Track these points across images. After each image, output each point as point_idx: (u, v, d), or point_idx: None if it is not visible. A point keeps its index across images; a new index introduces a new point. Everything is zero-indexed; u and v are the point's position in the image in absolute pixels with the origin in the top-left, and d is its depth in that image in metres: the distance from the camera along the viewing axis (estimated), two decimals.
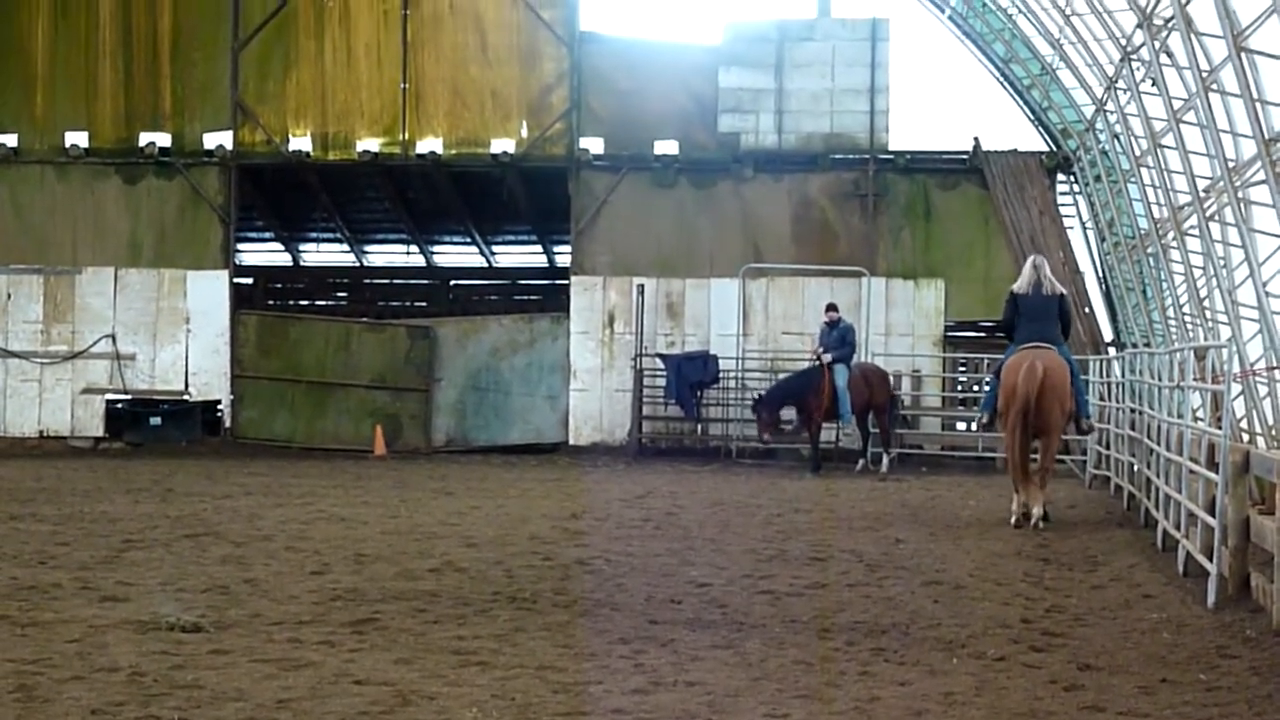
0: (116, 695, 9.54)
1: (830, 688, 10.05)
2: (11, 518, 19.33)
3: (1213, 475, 14.02)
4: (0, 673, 10.11)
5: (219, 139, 33.28)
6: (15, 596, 13.16)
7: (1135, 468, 20.94)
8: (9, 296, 33.21)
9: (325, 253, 42.41)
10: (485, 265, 41.78)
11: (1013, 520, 19.34)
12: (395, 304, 40.24)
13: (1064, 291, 20.28)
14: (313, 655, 10.83)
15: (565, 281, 33.97)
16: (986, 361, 29.94)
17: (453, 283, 41.47)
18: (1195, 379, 17.99)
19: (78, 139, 33.26)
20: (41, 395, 33.10)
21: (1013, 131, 33.55)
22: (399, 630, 11.81)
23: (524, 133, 33.19)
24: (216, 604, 12.83)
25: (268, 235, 41.51)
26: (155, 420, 32.80)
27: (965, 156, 32.59)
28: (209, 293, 33.13)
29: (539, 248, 40.75)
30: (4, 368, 33.13)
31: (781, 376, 30.04)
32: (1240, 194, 19.47)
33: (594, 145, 33.01)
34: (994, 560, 16.31)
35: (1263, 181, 17.87)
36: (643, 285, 32.31)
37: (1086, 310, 31.65)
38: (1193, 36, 19.86)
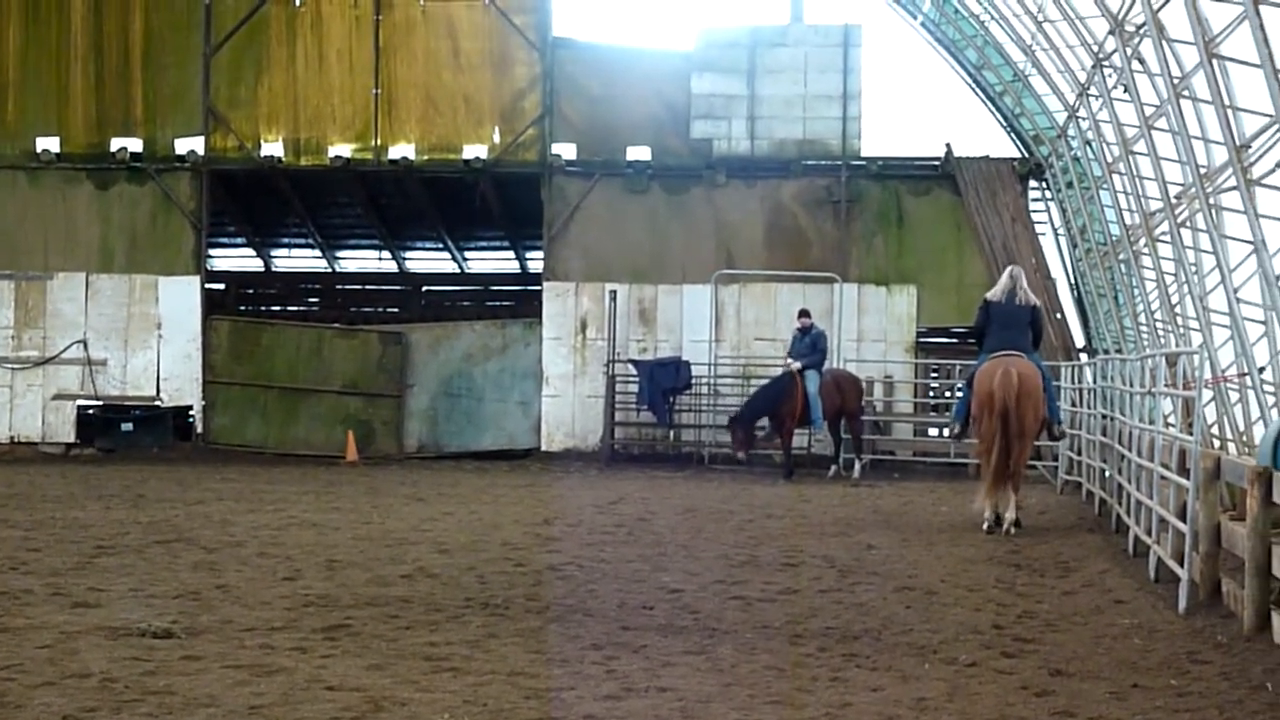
0: (88, 701, 9.51)
1: (802, 693, 10.05)
2: None
3: (1184, 481, 14.04)
4: None
5: (191, 144, 33.21)
6: None
7: (1107, 473, 20.98)
8: None
9: (297, 258, 42.34)
10: (458, 271, 41.74)
11: (985, 526, 19.37)
12: (367, 309, 40.15)
13: (1037, 303, 20.36)
14: (284, 661, 10.80)
15: (538, 287, 33.93)
16: (959, 368, 29.98)
17: (425, 288, 41.36)
18: (1166, 385, 18.03)
19: (49, 144, 33.17)
20: (12, 401, 32.98)
21: (985, 138, 33.69)
22: (371, 636, 11.79)
23: (496, 138, 33.17)
24: (188, 610, 12.79)
25: (239, 241, 41.43)
26: (127, 426, 32.73)
27: (937, 163, 32.65)
28: (181, 298, 33.05)
29: (511, 253, 40.71)
30: None
31: (755, 386, 29.96)
32: (1212, 200, 19.52)
33: (566, 151, 32.99)
34: (966, 566, 16.34)
35: (1234, 188, 17.92)
36: (615, 291, 32.29)
37: (1059, 316, 31.72)
38: (1164, 43, 19.92)
